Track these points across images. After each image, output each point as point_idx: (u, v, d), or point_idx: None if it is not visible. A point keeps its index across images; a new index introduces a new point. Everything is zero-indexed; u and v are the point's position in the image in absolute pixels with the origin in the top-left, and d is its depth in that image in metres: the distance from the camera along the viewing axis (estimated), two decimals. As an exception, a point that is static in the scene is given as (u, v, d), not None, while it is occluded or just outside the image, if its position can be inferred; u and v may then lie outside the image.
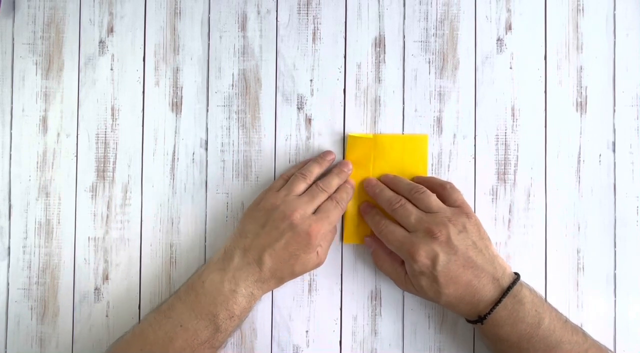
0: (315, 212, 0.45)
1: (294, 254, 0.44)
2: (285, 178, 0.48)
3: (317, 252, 0.45)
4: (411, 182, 0.47)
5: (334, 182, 0.47)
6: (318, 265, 0.46)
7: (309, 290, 0.50)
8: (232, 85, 0.51)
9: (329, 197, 0.46)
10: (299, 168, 0.49)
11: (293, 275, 0.45)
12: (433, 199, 0.45)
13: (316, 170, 0.48)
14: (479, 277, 0.42)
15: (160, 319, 0.43)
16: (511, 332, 0.41)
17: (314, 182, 0.47)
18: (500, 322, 0.41)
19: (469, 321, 0.45)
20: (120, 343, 0.44)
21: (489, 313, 0.41)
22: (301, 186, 0.46)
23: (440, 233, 0.42)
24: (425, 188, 0.46)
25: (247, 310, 0.44)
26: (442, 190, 0.46)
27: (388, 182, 0.48)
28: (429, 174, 0.50)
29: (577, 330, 0.42)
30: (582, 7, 0.50)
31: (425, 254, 0.42)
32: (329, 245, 0.48)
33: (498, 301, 0.41)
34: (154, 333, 0.43)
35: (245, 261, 0.44)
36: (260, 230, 0.44)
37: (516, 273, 0.44)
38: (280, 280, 0.45)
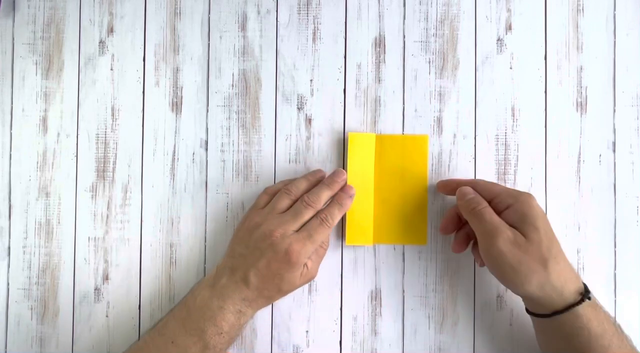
0: (300, 229, 0.44)
1: (277, 273, 0.43)
2: (269, 193, 0.47)
3: (307, 267, 0.44)
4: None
5: (324, 194, 0.45)
6: (309, 280, 0.46)
7: (309, 290, 0.50)
8: (232, 85, 0.51)
9: (315, 214, 0.45)
10: (285, 183, 0.48)
11: (281, 293, 0.44)
12: None
13: (303, 186, 0.47)
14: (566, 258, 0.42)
15: (154, 336, 0.44)
16: (606, 316, 0.41)
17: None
18: (599, 304, 0.41)
19: (560, 311, 0.41)
20: None
21: (587, 290, 0.41)
22: (284, 202, 0.45)
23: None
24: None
25: (237, 327, 0.44)
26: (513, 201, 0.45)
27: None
28: (428, 174, 0.50)
29: None
30: (582, 7, 0.50)
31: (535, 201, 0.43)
32: (320, 260, 0.46)
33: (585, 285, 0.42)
34: (148, 350, 0.43)
35: (232, 280, 0.44)
36: (245, 250, 0.44)
37: None
38: (269, 299, 0.45)
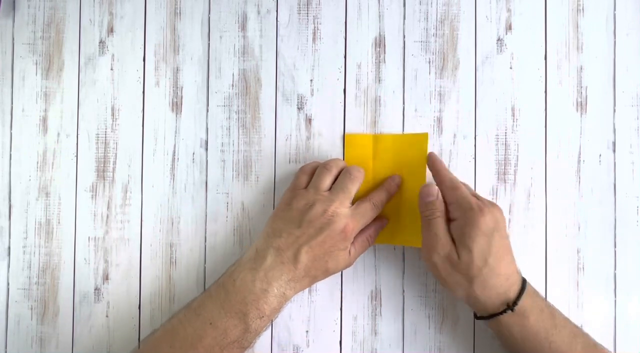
0: (352, 207, 0.45)
1: (329, 250, 0.44)
2: (307, 172, 0.48)
3: (350, 252, 0.46)
4: None
5: (362, 169, 0.47)
6: (348, 265, 0.46)
7: (309, 290, 0.50)
8: (232, 85, 0.51)
9: (367, 198, 0.46)
10: (318, 163, 0.49)
11: (326, 273, 0.45)
12: None
13: (340, 163, 0.48)
14: (512, 262, 0.43)
15: (190, 316, 0.43)
16: (537, 321, 0.41)
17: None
18: (528, 311, 0.41)
19: (487, 317, 0.43)
20: (150, 340, 0.44)
21: (518, 297, 0.42)
22: (327, 180, 0.46)
23: (500, 208, 0.43)
24: None
25: (277, 311, 0.44)
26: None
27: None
28: (429, 174, 0.50)
29: (580, 327, 0.43)
30: (582, 7, 0.50)
31: (491, 214, 0.42)
32: (362, 251, 0.47)
33: (522, 288, 0.42)
34: (184, 330, 0.43)
35: (279, 260, 0.44)
36: (295, 230, 0.44)
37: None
38: (313, 279, 0.45)
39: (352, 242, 0.46)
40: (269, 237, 0.45)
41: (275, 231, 0.45)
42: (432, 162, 0.47)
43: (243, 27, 0.52)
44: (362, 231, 0.47)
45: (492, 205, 0.43)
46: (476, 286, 0.42)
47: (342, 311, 0.50)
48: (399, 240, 0.49)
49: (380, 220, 0.48)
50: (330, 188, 0.46)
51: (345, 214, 0.44)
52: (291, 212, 0.45)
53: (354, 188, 0.46)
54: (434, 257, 0.43)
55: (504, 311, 0.42)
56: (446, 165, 0.47)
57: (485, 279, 0.42)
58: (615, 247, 0.49)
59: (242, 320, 0.42)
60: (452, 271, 0.43)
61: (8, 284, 0.51)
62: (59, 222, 0.51)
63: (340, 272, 0.50)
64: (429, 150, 0.50)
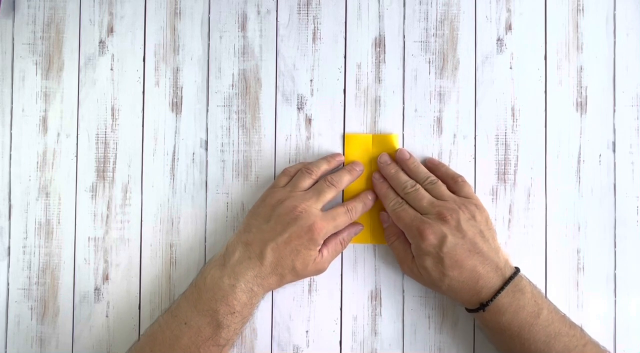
0: (324, 210, 0.46)
1: (295, 249, 0.44)
2: (288, 174, 0.48)
3: (322, 255, 0.45)
4: (426, 171, 0.48)
5: (345, 178, 0.47)
6: (318, 271, 0.46)
7: (309, 290, 0.50)
8: (232, 85, 0.51)
9: (342, 203, 0.47)
10: (304, 164, 0.49)
11: (293, 272, 0.44)
12: (444, 189, 0.46)
13: (323, 167, 0.48)
14: (483, 263, 0.43)
15: (168, 319, 0.44)
16: (512, 319, 0.42)
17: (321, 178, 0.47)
18: (502, 309, 0.42)
19: (469, 310, 0.45)
20: (135, 347, 0.45)
21: (491, 299, 0.42)
22: (306, 182, 0.47)
23: (450, 217, 0.43)
24: (438, 180, 0.47)
25: (249, 307, 0.44)
26: (453, 183, 0.47)
27: (403, 163, 0.48)
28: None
29: (575, 326, 0.43)
30: (582, 7, 0.50)
31: (433, 234, 0.43)
32: (335, 256, 0.47)
33: (500, 289, 0.42)
34: (162, 333, 0.43)
35: (246, 255, 0.44)
36: (264, 224, 0.45)
37: (516, 267, 0.45)
38: (281, 278, 0.45)
39: (325, 245, 0.46)
40: (240, 233, 0.46)
41: (247, 227, 0.46)
42: (376, 189, 0.48)
43: (243, 27, 0.52)
44: (335, 234, 0.47)
45: (438, 214, 0.43)
46: (445, 292, 0.45)
47: (342, 311, 0.50)
48: (377, 240, 0.49)
49: (355, 225, 0.48)
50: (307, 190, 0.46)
51: (315, 213, 0.44)
52: (263, 208, 0.46)
53: (329, 194, 0.46)
54: (406, 272, 0.48)
55: (477, 310, 0.43)
56: (386, 189, 0.48)
57: (449, 287, 0.44)
58: (615, 247, 0.49)
59: (213, 317, 0.42)
60: (419, 279, 0.46)
61: (8, 284, 0.51)
62: (59, 222, 0.51)
63: (340, 273, 0.50)
64: (429, 151, 0.50)
